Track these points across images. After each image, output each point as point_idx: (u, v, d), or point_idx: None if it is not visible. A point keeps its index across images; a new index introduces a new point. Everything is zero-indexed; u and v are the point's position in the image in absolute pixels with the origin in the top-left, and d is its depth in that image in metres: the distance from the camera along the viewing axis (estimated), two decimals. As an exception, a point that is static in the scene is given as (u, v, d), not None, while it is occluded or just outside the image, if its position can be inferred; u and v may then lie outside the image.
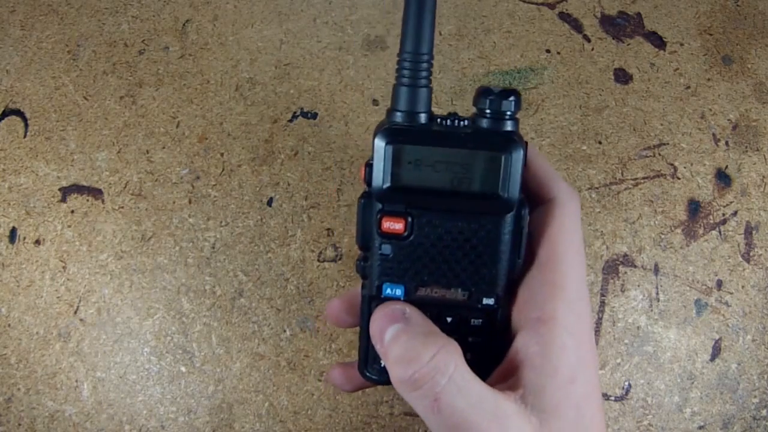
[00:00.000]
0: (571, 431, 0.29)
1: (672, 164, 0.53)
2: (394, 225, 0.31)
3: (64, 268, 0.51)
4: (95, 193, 0.52)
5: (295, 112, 0.54)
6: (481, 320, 0.32)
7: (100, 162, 0.53)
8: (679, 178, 0.53)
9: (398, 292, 0.32)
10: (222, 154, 0.53)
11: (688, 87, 0.55)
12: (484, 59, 0.55)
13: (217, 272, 0.51)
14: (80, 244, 0.52)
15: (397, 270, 0.32)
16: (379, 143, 0.30)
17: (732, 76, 0.55)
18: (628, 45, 0.55)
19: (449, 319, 0.33)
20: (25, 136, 0.54)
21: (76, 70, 0.55)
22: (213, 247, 0.51)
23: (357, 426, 0.49)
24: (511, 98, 0.31)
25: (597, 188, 0.52)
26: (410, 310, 0.31)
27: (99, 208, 0.52)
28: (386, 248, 0.32)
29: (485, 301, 0.32)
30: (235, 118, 0.53)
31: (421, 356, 0.29)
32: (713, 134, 0.54)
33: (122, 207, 0.52)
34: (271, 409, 0.49)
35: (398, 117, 0.31)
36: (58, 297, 0.51)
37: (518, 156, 0.30)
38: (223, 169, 0.53)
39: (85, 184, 0.53)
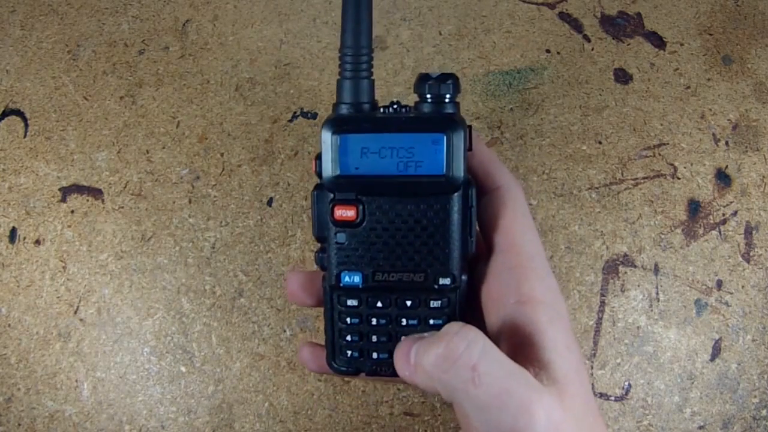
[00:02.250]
0: (580, 396, 0.30)
1: (672, 164, 0.53)
2: (346, 212, 0.32)
3: (64, 268, 0.51)
4: (95, 193, 0.52)
5: (295, 112, 0.54)
6: (440, 301, 0.33)
7: (100, 162, 0.53)
8: (679, 178, 0.53)
9: (356, 279, 0.33)
10: (222, 154, 0.53)
11: (688, 87, 0.55)
12: (484, 59, 0.55)
13: (217, 272, 0.51)
14: (80, 244, 0.52)
15: (353, 257, 0.33)
16: (326, 134, 0.32)
17: (732, 76, 0.55)
18: (628, 45, 0.55)
19: (409, 303, 0.33)
20: (25, 136, 0.54)
21: (76, 70, 0.55)
22: (213, 247, 0.51)
23: (357, 426, 0.49)
24: (449, 82, 0.32)
25: (597, 188, 0.52)
26: (426, 333, 0.32)
27: (99, 208, 0.52)
28: (341, 236, 0.33)
29: (441, 281, 0.33)
30: (235, 118, 0.53)
31: (449, 332, 0.29)
32: (713, 134, 0.54)
33: (122, 207, 0.52)
34: (271, 409, 0.49)
35: (343, 109, 0.33)
36: (58, 297, 0.51)
37: (459, 135, 0.32)
38: (223, 169, 0.53)
39: (85, 184, 0.53)
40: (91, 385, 0.50)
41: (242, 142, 0.53)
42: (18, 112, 0.54)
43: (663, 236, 0.52)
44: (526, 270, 0.32)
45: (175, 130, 0.53)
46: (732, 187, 0.53)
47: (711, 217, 0.52)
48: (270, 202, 0.52)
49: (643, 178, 0.53)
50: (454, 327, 0.30)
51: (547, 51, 0.55)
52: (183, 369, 0.50)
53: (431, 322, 0.33)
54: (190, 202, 0.52)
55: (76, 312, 0.51)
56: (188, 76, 0.54)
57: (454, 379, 0.29)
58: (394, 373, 0.34)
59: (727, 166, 0.53)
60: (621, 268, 0.51)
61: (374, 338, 0.34)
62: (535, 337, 0.30)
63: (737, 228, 0.52)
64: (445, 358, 0.29)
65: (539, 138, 0.53)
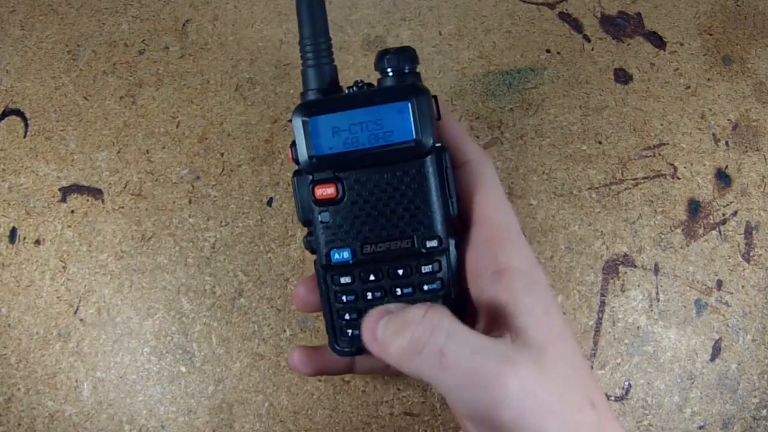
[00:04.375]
0: (563, 358, 0.30)
1: (672, 164, 0.53)
2: (326, 191, 0.33)
3: (64, 268, 0.51)
4: (95, 193, 0.52)
5: (295, 112, 0.54)
6: (431, 266, 0.34)
7: (100, 162, 0.53)
8: (679, 178, 0.53)
9: (345, 255, 0.34)
10: (222, 154, 0.53)
11: (688, 87, 0.55)
12: (484, 59, 0.55)
13: (217, 272, 0.51)
14: (80, 244, 0.52)
15: (340, 234, 0.34)
16: (296, 121, 0.33)
17: (732, 76, 0.55)
18: (628, 45, 0.55)
19: (401, 272, 0.34)
20: (25, 136, 0.54)
21: (76, 70, 0.55)
22: (213, 247, 0.51)
23: (357, 426, 0.49)
24: (407, 54, 0.34)
25: (597, 188, 0.52)
26: (393, 305, 0.32)
27: (99, 208, 0.52)
28: (325, 216, 0.34)
29: (429, 244, 0.34)
30: (235, 118, 0.53)
31: (414, 319, 0.30)
32: (713, 134, 0.54)
33: (122, 207, 0.52)
34: (271, 409, 0.49)
35: (310, 95, 0.34)
36: (58, 297, 0.51)
37: (422, 100, 0.33)
38: (223, 169, 0.53)
39: (85, 184, 0.53)
40: (91, 385, 0.50)
41: (242, 142, 0.53)
42: (18, 112, 0.54)
43: (663, 236, 0.52)
44: (501, 241, 0.33)
45: (175, 130, 0.53)
46: (732, 187, 0.53)
47: (711, 217, 0.52)
48: (270, 202, 0.52)
49: (643, 178, 0.53)
50: (417, 313, 0.30)
51: (547, 51, 0.55)
52: (183, 369, 0.50)
53: (425, 288, 0.34)
54: (190, 202, 0.52)
55: (76, 312, 0.51)
56: (188, 76, 0.54)
57: (422, 366, 0.29)
58: None
59: (727, 166, 0.53)
60: (621, 268, 0.51)
61: None
62: (511, 304, 0.31)
63: (737, 228, 0.52)
64: (411, 349, 0.29)
65: (539, 138, 0.53)
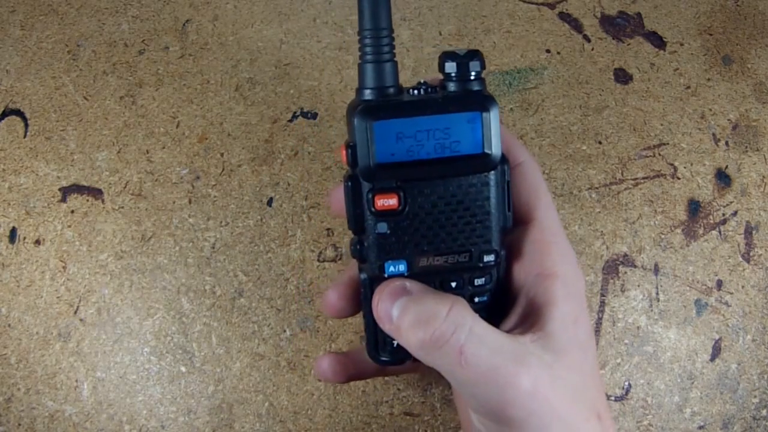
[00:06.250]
0: (578, 368, 0.31)
1: (672, 164, 0.53)
2: (388, 201, 0.31)
3: (64, 268, 0.51)
4: (95, 193, 0.52)
5: (295, 112, 0.54)
6: (483, 278, 0.33)
7: (100, 162, 0.53)
8: (679, 178, 0.53)
9: (401, 267, 0.32)
10: (222, 154, 0.53)
11: (688, 87, 0.55)
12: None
13: (217, 272, 0.51)
14: (80, 244, 0.52)
15: (397, 246, 0.32)
16: (360, 123, 0.31)
17: (732, 76, 0.55)
18: (628, 45, 0.55)
19: (453, 284, 0.33)
20: (25, 136, 0.54)
21: (76, 70, 0.55)
22: (213, 247, 0.51)
23: (357, 426, 0.49)
24: (476, 59, 0.32)
25: (597, 188, 0.52)
26: (410, 283, 0.32)
27: (99, 208, 0.52)
28: (382, 226, 0.32)
29: (486, 258, 0.33)
30: (235, 118, 0.53)
31: (438, 314, 0.29)
32: (713, 134, 0.54)
33: (122, 207, 0.52)
34: (271, 409, 0.49)
35: (368, 94, 0.32)
36: (58, 297, 0.51)
37: (495, 112, 0.31)
38: (223, 169, 0.53)
39: (85, 184, 0.53)
40: (91, 385, 0.50)
41: (242, 142, 0.53)
42: (18, 112, 0.54)
43: (663, 236, 0.52)
44: (549, 245, 0.33)
45: (175, 130, 0.53)
46: (732, 187, 0.53)
47: (711, 217, 0.52)
48: (270, 202, 0.52)
49: (643, 178, 0.53)
50: (442, 309, 0.30)
51: (547, 51, 0.55)
52: (183, 369, 0.50)
53: (476, 300, 0.33)
54: (190, 202, 0.52)
55: (76, 312, 0.51)
56: (188, 76, 0.54)
57: (440, 361, 0.29)
58: None
59: (727, 166, 0.53)
60: (621, 268, 0.51)
61: None
62: (546, 308, 0.31)
63: (737, 228, 0.52)
64: (433, 343, 0.29)
65: (539, 138, 0.53)
